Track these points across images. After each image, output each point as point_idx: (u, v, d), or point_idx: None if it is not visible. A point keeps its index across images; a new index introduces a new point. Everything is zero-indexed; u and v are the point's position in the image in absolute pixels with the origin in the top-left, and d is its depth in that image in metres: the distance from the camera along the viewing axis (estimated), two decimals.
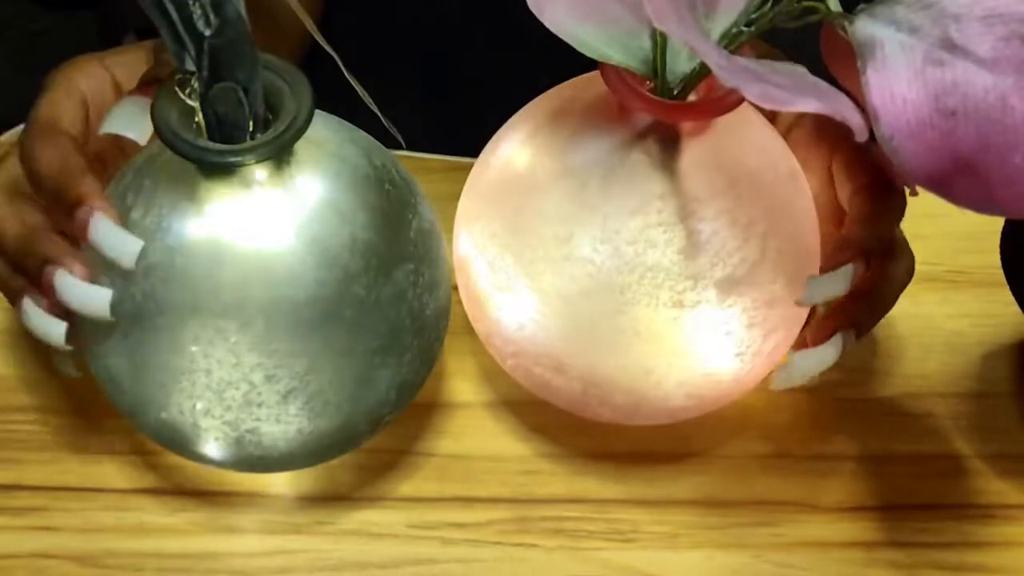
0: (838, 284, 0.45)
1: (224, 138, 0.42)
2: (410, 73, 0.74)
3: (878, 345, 0.58)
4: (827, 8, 0.40)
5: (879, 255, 0.47)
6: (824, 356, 0.46)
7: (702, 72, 0.44)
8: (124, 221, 0.44)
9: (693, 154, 0.46)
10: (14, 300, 0.47)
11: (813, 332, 0.47)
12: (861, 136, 0.37)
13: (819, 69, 0.42)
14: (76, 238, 0.44)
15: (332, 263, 0.44)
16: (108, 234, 0.43)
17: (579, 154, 0.47)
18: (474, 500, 0.53)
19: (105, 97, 0.49)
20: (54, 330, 0.45)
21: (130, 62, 0.50)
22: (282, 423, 0.45)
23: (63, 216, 0.45)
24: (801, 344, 0.48)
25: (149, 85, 0.47)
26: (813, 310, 0.50)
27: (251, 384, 0.44)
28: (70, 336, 0.45)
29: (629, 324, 0.47)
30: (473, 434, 0.55)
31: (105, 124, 0.45)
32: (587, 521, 0.52)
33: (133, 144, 0.45)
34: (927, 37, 0.39)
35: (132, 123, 0.45)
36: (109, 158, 0.49)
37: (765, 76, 0.38)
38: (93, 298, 0.44)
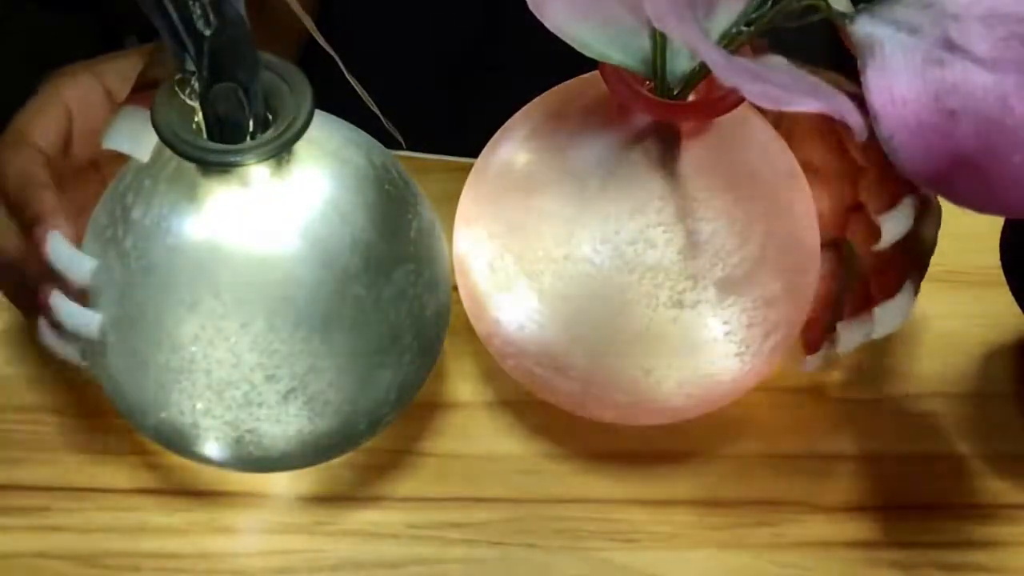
0: (901, 221, 0.47)
1: (224, 138, 0.42)
2: (410, 73, 0.74)
3: (878, 345, 0.58)
4: (828, 7, 0.40)
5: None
6: (904, 306, 0.48)
7: (702, 72, 0.44)
8: (125, 218, 0.44)
9: (693, 154, 0.46)
10: (27, 316, 0.48)
11: (879, 288, 0.48)
12: (861, 136, 0.37)
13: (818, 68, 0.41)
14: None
15: (332, 263, 0.44)
16: (62, 254, 0.44)
17: (579, 154, 0.47)
18: (474, 500, 0.53)
19: (93, 106, 0.49)
20: (69, 350, 0.46)
21: (122, 69, 0.50)
22: (282, 423, 0.45)
23: (23, 229, 0.46)
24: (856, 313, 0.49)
25: (143, 91, 0.47)
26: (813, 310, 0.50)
27: (251, 384, 0.44)
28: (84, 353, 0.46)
29: (629, 324, 0.47)
30: (473, 434, 0.55)
31: (106, 138, 0.45)
32: (587, 521, 0.52)
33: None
34: (927, 37, 0.39)
35: (134, 138, 0.45)
36: (103, 162, 0.49)
37: (765, 76, 0.38)
38: (82, 320, 0.45)
